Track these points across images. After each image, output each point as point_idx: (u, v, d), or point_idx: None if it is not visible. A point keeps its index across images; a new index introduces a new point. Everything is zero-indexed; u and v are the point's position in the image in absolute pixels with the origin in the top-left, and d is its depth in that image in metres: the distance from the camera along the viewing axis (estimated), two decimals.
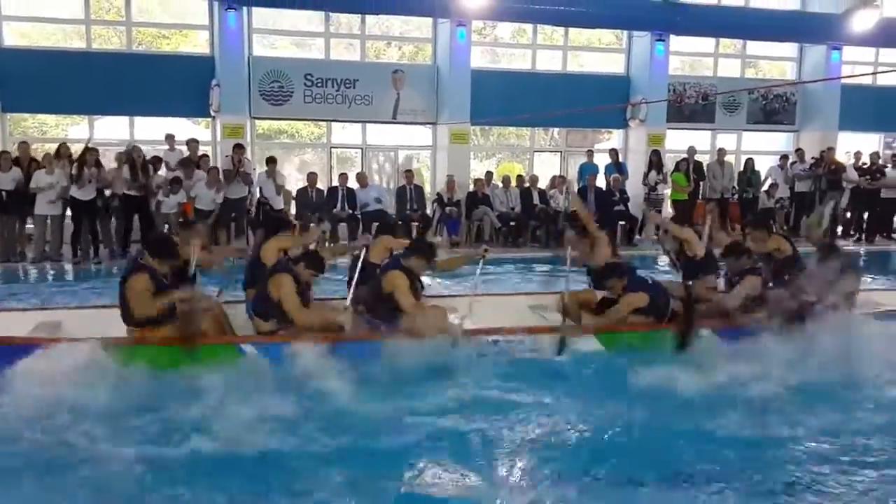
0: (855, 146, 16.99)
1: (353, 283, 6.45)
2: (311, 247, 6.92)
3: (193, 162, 12.92)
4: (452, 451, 4.60)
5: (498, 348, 6.19)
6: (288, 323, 6.06)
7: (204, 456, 4.49)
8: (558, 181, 15.23)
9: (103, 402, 5.06)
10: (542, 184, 15.33)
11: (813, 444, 4.87)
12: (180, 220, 12.35)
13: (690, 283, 7.05)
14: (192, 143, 13.36)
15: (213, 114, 14.64)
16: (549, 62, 16.97)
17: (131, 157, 12.15)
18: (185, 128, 14.80)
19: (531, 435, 4.94)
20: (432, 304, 6.57)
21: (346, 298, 6.49)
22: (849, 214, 16.17)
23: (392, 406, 5.25)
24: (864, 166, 15.92)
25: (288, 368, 5.64)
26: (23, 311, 7.01)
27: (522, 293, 8.13)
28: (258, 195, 13.44)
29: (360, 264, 6.48)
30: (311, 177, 13.91)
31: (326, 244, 11.94)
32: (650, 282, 6.85)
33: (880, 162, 16.06)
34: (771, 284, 6.97)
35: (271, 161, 13.33)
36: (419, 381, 5.65)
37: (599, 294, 7.07)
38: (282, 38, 16.00)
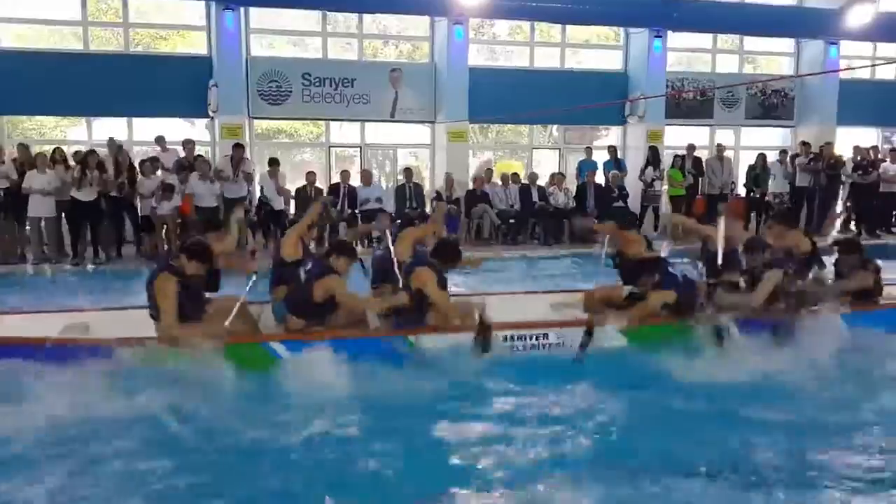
0: (853, 141, 16.97)
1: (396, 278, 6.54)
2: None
3: (189, 163, 12.88)
4: (474, 450, 4.66)
5: (523, 343, 6.30)
6: (322, 322, 6.12)
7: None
8: (557, 178, 15.22)
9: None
10: (542, 181, 15.31)
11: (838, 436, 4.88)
12: (178, 220, 12.44)
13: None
14: (188, 145, 13.32)
15: (211, 114, 14.62)
16: (546, 59, 16.96)
17: (116, 158, 12.13)
18: (183, 128, 14.81)
19: (552, 430, 4.97)
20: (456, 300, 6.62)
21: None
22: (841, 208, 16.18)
23: (416, 401, 5.32)
24: (856, 161, 15.88)
25: (316, 366, 5.67)
26: (51, 313, 6.99)
27: (544, 291, 8.12)
28: (258, 195, 13.42)
29: (394, 263, 6.59)
30: (310, 176, 13.87)
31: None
32: (681, 279, 6.83)
33: (879, 156, 16.06)
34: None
35: (274, 163, 13.30)
36: (444, 378, 5.71)
37: (626, 289, 7.09)
38: (279, 37, 15.98)
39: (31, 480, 4.21)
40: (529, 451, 4.62)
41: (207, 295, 6.28)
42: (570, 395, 5.57)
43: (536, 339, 6.33)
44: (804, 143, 16.12)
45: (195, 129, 15.17)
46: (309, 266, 6.21)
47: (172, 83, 14.38)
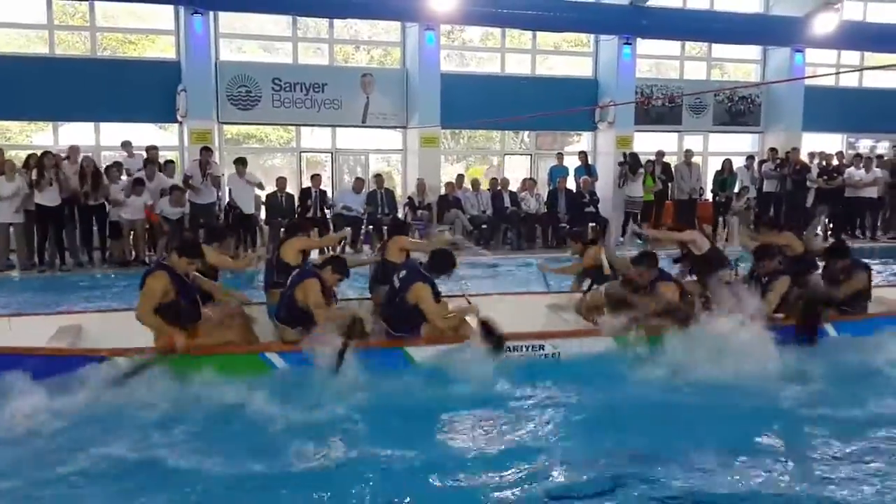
0: (818, 146, 17.27)
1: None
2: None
3: (155, 165, 12.74)
4: (470, 459, 4.66)
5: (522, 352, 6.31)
6: (312, 328, 6.08)
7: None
8: (529, 184, 15.30)
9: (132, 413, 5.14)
10: (513, 186, 15.36)
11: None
12: (147, 226, 12.33)
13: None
14: (152, 151, 13.08)
15: (180, 119, 14.48)
16: (518, 65, 17.05)
17: (82, 166, 11.98)
18: (152, 133, 14.65)
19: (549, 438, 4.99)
20: (452, 312, 6.57)
21: (368, 299, 6.86)
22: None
23: (413, 414, 5.34)
24: (822, 166, 16.14)
25: (312, 376, 5.64)
26: (44, 316, 7.07)
27: (539, 293, 8.15)
28: (227, 199, 13.32)
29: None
30: (281, 181, 13.82)
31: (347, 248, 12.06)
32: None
33: (844, 161, 16.33)
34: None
35: (241, 162, 13.18)
36: (440, 389, 5.71)
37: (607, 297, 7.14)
38: (249, 42, 15.89)
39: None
40: (529, 458, 4.65)
41: (211, 305, 6.40)
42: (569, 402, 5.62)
43: (533, 349, 6.32)
44: (773, 150, 16.36)
45: (164, 135, 15.02)
46: (296, 273, 6.25)
47: (140, 88, 14.23)
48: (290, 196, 13.84)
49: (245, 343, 6.20)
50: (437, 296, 6.32)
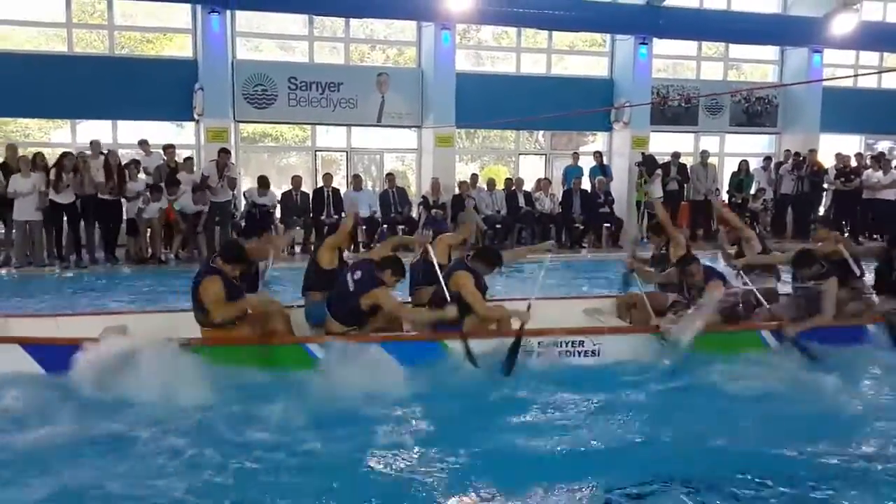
0: (836, 148, 17.13)
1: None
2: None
3: (173, 169, 12.80)
4: (514, 455, 4.67)
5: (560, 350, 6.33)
6: (361, 327, 6.23)
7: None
8: (543, 184, 15.28)
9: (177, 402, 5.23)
10: (528, 186, 15.34)
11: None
12: (163, 223, 12.40)
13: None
14: (169, 150, 13.17)
15: (196, 118, 14.55)
16: (533, 65, 17.02)
17: (107, 160, 12.07)
18: (169, 131, 14.73)
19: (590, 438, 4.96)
20: (495, 304, 6.62)
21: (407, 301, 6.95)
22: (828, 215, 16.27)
23: (449, 406, 5.38)
24: (839, 168, 16.00)
25: (353, 368, 5.70)
26: (90, 316, 7.16)
27: (577, 297, 8.21)
28: (243, 200, 13.39)
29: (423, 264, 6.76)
30: (296, 180, 13.88)
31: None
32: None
33: (865, 163, 16.18)
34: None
35: (263, 185, 13.31)
36: (475, 382, 5.76)
37: (671, 296, 7.14)
38: (265, 41, 15.95)
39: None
40: (565, 458, 4.65)
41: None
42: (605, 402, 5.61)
43: (572, 345, 6.35)
44: (791, 152, 16.23)
45: (181, 133, 15.11)
46: (358, 276, 6.23)
47: (158, 86, 14.30)
48: (306, 195, 13.88)
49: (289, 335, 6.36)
50: (482, 290, 6.34)
